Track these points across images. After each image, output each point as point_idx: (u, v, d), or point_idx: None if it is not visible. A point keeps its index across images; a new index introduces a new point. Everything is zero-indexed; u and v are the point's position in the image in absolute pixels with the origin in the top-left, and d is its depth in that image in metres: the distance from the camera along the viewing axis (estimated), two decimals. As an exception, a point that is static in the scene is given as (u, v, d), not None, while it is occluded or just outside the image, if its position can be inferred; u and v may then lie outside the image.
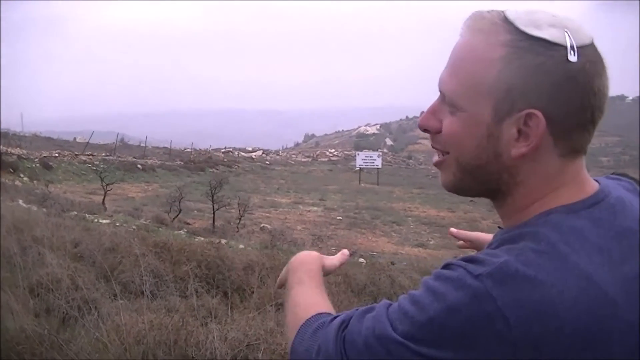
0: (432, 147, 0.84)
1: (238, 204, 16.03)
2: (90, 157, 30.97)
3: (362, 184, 34.64)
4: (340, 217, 20.08)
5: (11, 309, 3.78)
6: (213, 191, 15.33)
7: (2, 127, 29.72)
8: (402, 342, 0.67)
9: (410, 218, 20.96)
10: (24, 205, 10.57)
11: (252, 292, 5.80)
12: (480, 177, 0.79)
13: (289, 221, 18.16)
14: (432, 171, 50.67)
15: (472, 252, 0.94)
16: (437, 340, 0.66)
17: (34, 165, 24.25)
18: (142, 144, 43.34)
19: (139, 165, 30.96)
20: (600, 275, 0.66)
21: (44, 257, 5.11)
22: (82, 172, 26.83)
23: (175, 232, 11.28)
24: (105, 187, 17.17)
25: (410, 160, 64.24)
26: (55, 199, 13.73)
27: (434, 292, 0.68)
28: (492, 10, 0.77)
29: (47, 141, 39.09)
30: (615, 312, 0.65)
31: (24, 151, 26.69)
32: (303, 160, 52.92)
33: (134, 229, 9.60)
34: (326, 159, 54.85)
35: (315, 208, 22.54)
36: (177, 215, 15.07)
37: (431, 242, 16.11)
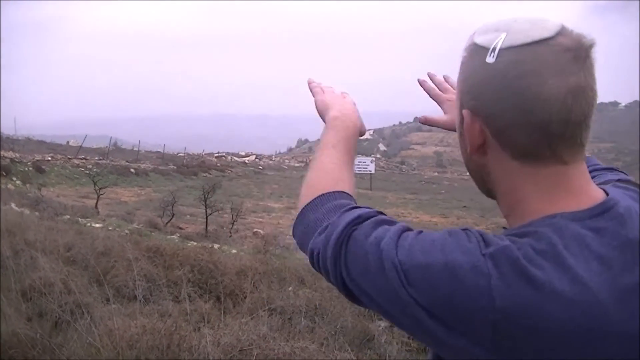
0: None
1: (231, 208, 15.96)
2: (83, 160, 30.83)
3: (355, 190, 34.59)
4: (333, 223, 19.99)
5: (3, 312, 3.78)
6: (206, 196, 15.27)
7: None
8: (397, 268, 0.70)
9: (403, 224, 20.94)
10: (17, 208, 10.51)
11: (245, 297, 5.79)
12: (472, 176, 0.84)
13: (282, 226, 18.10)
14: (425, 177, 50.84)
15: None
16: (422, 285, 0.68)
17: (26, 169, 24.08)
18: (135, 148, 43.24)
19: (132, 170, 30.82)
20: (596, 283, 0.65)
21: (37, 261, 5.10)
22: (75, 175, 26.66)
23: (168, 236, 11.25)
24: (98, 191, 17.07)
25: (404, 166, 64.52)
26: (48, 202, 13.67)
27: (442, 245, 0.70)
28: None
29: (39, 144, 38.89)
30: (606, 321, 0.65)
31: (17, 154, 26.49)
32: (296, 165, 52.84)
33: (126, 233, 9.59)
34: (319, 164, 54.61)
35: (308, 213, 22.44)
36: (170, 219, 15.02)
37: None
